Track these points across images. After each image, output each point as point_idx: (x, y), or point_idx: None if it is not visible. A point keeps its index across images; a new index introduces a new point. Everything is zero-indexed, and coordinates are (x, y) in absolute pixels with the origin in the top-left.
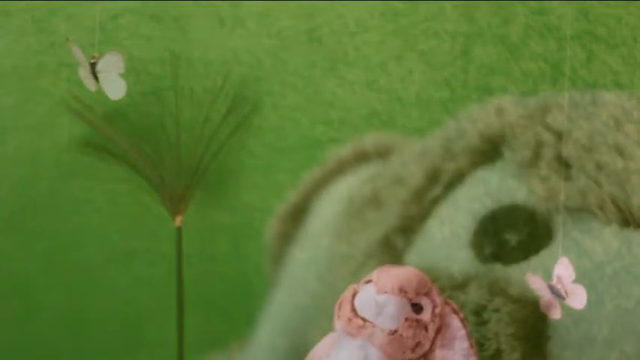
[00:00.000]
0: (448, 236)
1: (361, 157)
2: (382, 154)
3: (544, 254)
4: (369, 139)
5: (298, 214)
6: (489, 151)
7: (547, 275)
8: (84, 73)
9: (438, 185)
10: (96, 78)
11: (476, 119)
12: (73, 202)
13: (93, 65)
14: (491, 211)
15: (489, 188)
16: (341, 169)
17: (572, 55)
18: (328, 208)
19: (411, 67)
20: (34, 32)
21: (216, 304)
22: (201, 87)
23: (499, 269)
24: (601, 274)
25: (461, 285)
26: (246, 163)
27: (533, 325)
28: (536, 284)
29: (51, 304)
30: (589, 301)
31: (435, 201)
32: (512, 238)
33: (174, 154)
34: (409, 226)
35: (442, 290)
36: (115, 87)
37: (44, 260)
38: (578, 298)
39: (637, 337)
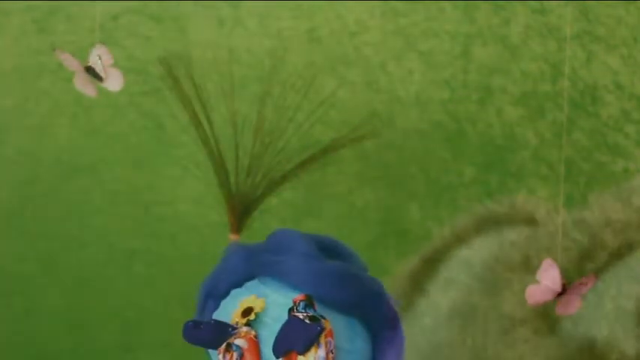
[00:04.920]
0: (612, 308)
1: (482, 225)
2: (509, 220)
3: None
4: (484, 208)
5: (426, 273)
6: None
7: None
8: (80, 81)
9: (601, 255)
10: (100, 79)
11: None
12: (73, 202)
13: (89, 69)
14: None
15: None
16: (463, 236)
17: (572, 55)
18: (462, 271)
19: (411, 67)
20: (34, 32)
21: None
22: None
23: None
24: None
25: None
26: None
27: None
28: (538, 296)
29: (51, 304)
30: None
31: (599, 270)
32: None
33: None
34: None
35: None
36: (113, 79)
37: (44, 260)
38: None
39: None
